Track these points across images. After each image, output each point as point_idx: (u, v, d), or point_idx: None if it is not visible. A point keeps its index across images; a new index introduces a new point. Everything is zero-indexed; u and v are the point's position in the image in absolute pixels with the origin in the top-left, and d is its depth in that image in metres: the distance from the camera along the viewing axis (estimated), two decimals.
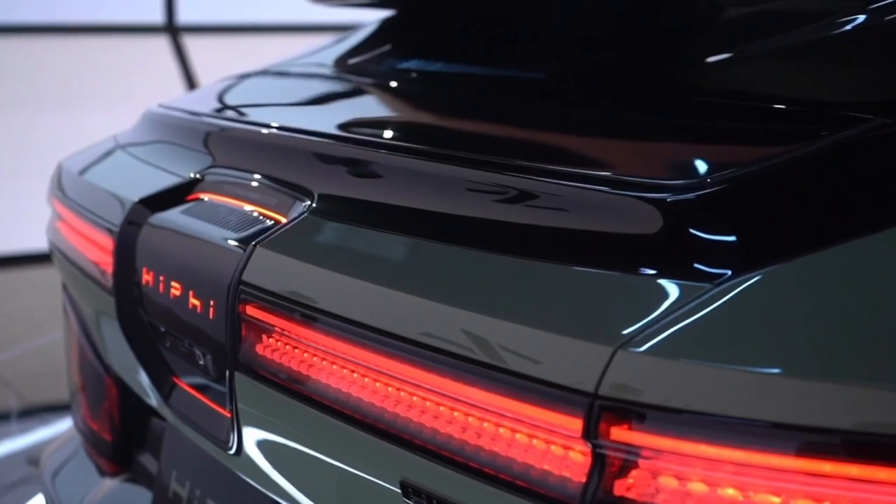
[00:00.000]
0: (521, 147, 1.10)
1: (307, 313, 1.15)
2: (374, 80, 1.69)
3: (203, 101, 1.82)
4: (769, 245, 0.91)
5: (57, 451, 2.00)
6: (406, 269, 1.08)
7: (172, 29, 5.84)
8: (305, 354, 1.17)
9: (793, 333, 0.83)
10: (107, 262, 1.59)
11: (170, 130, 1.72)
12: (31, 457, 3.41)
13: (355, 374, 1.10)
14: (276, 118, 1.59)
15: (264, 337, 1.22)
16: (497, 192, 1.08)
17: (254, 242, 1.24)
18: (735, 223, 0.94)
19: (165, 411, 1.50)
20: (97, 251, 1.63)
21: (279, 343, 1.20)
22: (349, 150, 1.34)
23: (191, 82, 5.64)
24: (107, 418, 1.81)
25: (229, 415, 1.29)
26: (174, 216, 1.45)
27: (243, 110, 1.66)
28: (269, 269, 1.22)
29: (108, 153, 1.83)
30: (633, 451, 0.85)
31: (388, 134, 1.35)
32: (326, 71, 1.83)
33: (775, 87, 1.17)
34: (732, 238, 0.93)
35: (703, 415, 0.81)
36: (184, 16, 5.82)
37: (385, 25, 1.94)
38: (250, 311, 1.22)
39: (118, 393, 1.76)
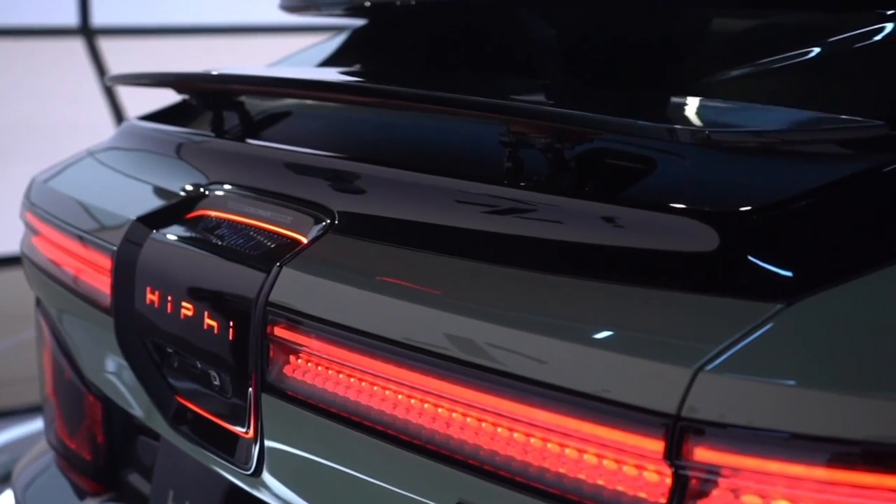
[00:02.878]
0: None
1: (343, 333, 1.13)
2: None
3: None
4: (839, 263, 0.92)
5: (29, 465, 1.96)
6: (460, 289, 1.07)
7: (87, 31, 5.73)
8: (341, 375, 1.16)
9: (874, 350, 0.85)
10: (98, 280, 1.56)
11: (160, 145, 1.69)
12: None
13: (400, 396, 1.09)
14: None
15: (294, 358, 1.21)
16: (562, 213, 1.08)
17: (279, 263, 1.22)
18: (804, 242, 0.96)
19: (168, 432, 1.47)
20: (85, 268, 1.59)
21: (312, 364, 1.19)
22: (367, 168, 1.32)
23: (106, 85, 5.54)
24: (87, 437, 1.77)
25: (250, 435, 1.27)
26: (180, 234, 1.42)
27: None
28: (297, 290, 1.20)
29: (87, 167, 1.79)
30: (715, 471, 0.87)
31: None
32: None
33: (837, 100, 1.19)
34: (802, 257, 0.94)
35: (786, 433, 0.83)
36: (98, 18, 5.72)
37: (367, 36, 1.92)
38: (279, 332, 1.21)
39: (102, 412, 1.73)
